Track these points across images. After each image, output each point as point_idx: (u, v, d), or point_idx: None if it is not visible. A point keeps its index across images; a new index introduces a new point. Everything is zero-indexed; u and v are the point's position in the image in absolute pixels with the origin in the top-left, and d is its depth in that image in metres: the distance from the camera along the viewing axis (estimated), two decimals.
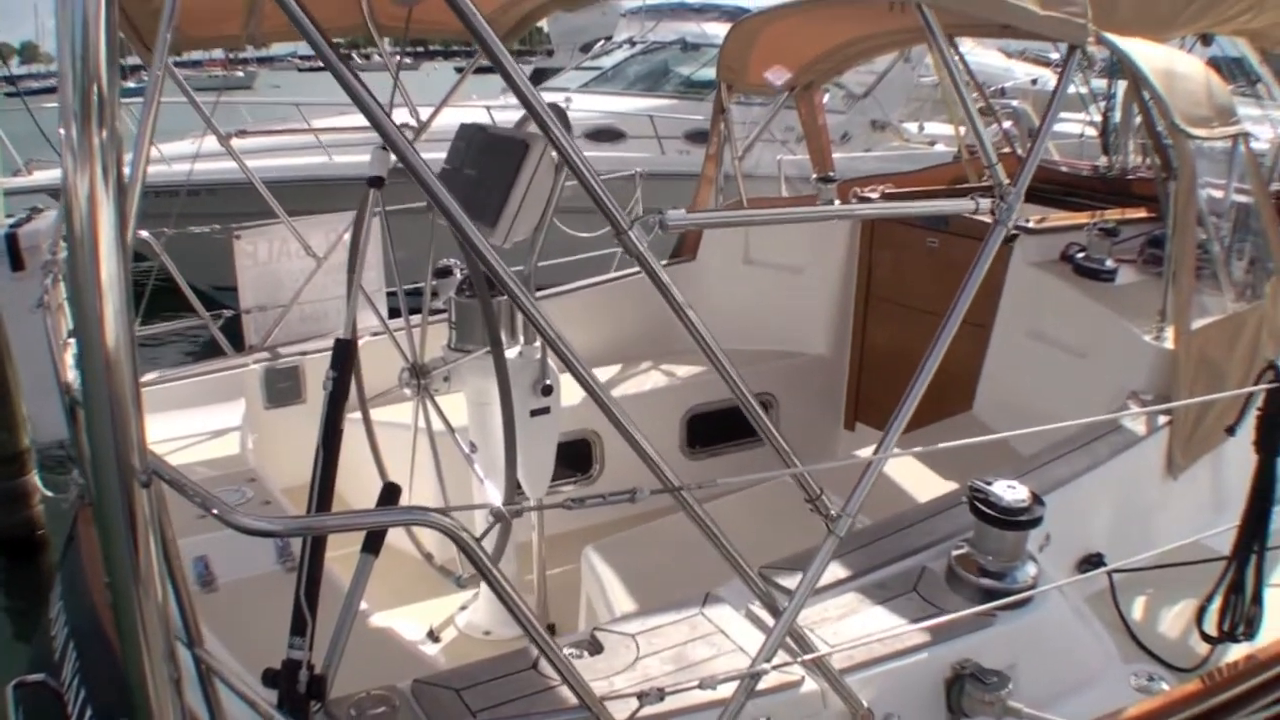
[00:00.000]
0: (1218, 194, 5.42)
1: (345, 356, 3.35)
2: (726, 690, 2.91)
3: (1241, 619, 4.12)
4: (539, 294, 6.88)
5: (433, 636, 5.24)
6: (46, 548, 9.22)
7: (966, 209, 3.41)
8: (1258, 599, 4.12)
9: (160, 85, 3.69)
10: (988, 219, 3.41)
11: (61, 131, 1.79)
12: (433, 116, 6.83)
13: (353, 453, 5.25)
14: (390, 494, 2.71)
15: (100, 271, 1.80)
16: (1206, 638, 4.16)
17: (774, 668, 2.98)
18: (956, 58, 9.18)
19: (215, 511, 2.10)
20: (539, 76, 26.97)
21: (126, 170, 2.10)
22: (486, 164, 4.41)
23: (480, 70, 5.74)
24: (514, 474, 4.34)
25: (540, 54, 36.75)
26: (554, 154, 4.27)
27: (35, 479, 9.06)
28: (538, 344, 4.76)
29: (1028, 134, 10.61)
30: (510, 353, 4.63)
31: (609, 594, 4.58)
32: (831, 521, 3.05)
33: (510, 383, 4.30)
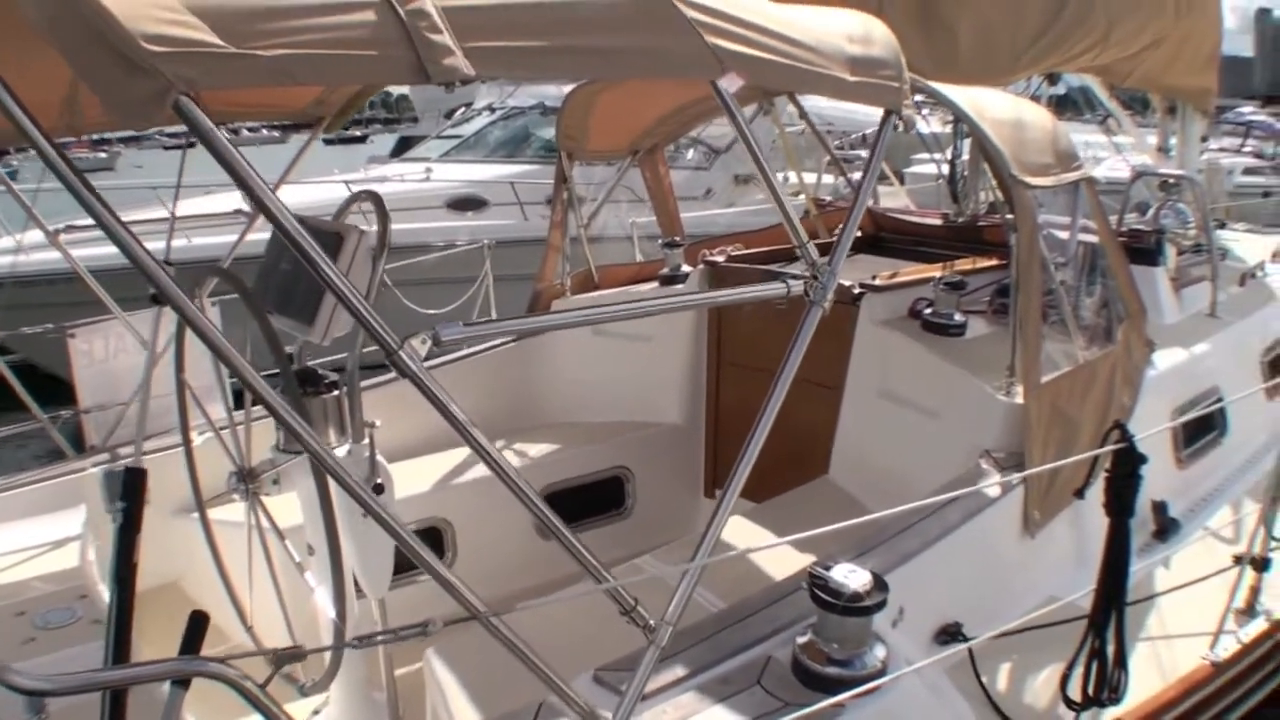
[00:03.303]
0: (1063, 235, 5.37)
1: (134, 487, 3.13)
2: None
3: (1106, 684, 4.00)
4: (380, 379, 6.66)
5: None
6: None
7: (777, 294, 3.28)
8: (1121, 661, 4.01)
9: None
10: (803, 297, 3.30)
11: None
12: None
13: (199, 550, 5.05)
14: (196, 624, 2.55)
15: None
16: (1070, 704, 4.04)
17: None
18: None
19: None
20: (405, 145, 26.88)
21: None
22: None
23: (344, 141, 5.54)
24: (341, 589, 4.12)
25: (406, 122, 36.79)
26: (371, 242, 4.08)
27: None
28: (365, 442, 4.54)
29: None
30: (339, 452, 4.41)
31: (449, 701, 4.37)
32: (650, 632, 2.89)
33: (331, 487, 4.08)
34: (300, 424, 2.48)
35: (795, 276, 3.32)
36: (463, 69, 2.39)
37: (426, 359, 2.54)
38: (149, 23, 2.03)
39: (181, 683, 2.53)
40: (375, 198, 4.42)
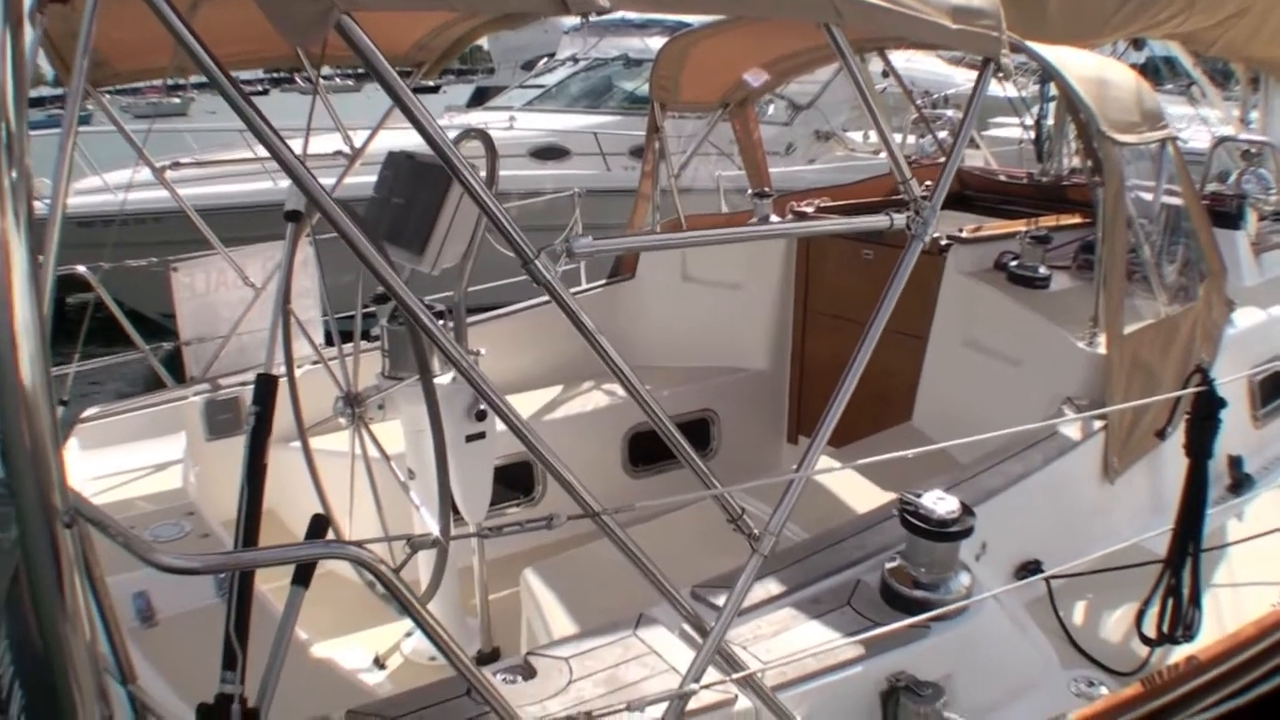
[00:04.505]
0: (1147, 196, 5.47)
1: (267, 392, 3.32)
2: (656, 711, 2.90)
3: (1181, 621, 4.14)
4: (479, 317, 6.87)
5: (379, 663, 5.20)
6: None
7: (881, 226, 3.41)
8: (1196, 600, 4.15)
9: (74, 118, 3.66)
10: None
11: None
12: (367, 142, 6.82)
13: (295, 479, 5.21)
14: (318, 526, 2.69)
15: (14, 315, 1.78)
16: (1146, 640, 4.18)
17: (703, 687, 2.97)
18: (883, 68, 9.30)
19: (137, 552, 2.07)
20: (482, 95, 26.92)
21: (43, 206, 2.08)
22: (413, 192, 4.39)
23: (417, 91, 5.71)
24: (448, 501, 4.31)
25: (482, 72, 36.76)
26: (481, 179, 4.25)
27: None
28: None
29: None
30: (444, 379, 4.60)
31: (547, 616, 4.56)
32: (754, 540, 3.05)
33: (442, 409, 4.27)
34: (451, 343, 2.64)
35: (898, 211, 3.45)
36: (600, 1, 2.54)
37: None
38: None
39: (302, 581, 2.71)
40: (484, 135, 4.60)
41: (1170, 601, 4.13)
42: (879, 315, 3.35)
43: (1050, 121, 9.18)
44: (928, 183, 3.58)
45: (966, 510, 3.63)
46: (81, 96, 3.80)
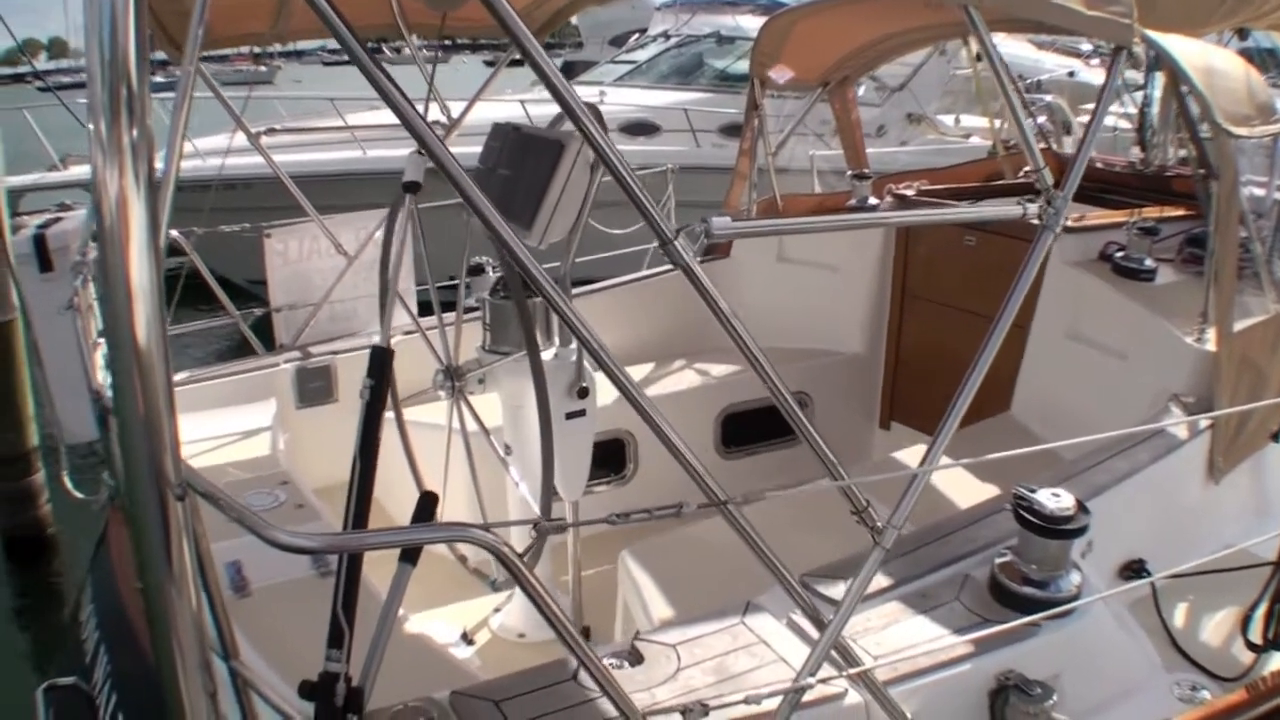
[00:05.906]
0: (1259, 192, 5.35)
1: (382, 365, 3.30)
2: (771, 704, 2.86)
3: None
4: (583, 290, 6.85)
5: (466, 639, 5.21)
6: (54, 548, 9.27)
7: (1014, 215, 3.32)
8: None
9: (191, 83, 3.65)
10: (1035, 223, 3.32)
11: (90, 128, 1.74)
12: (465, 113, 6.80)
13: (386, 452, 5.22)
14: (427, 505, 2.66)
15: (131, 274, 1.76)
16: (1251, 646, 4.10)
17: (819, 681, 2.93)
18: (977, 52, 9.15)
19: (252, 528, 2.05)
20: (569, 70, 27.01)
21: (158, 168, 2.05)
22: (521, 164, 4.36)
23: (512, 64, 5.68)
24: (550, 480, 4.29)
25: (570, 46, 36.82)
26: (589, 153, 4.21)
27: (41, 479, 9.15)
28: (573, 346, 4.71)
29: (1062, 128, 10.44)
30: (545, 355, 4.58)
31: (646, 600, 4.54)
32: (877, 533, 2.99)
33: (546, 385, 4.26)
34: (575, 315, 2.60)
35: (1027, 198, 3.36)
36: None
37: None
38: None
39: (410, 559, 2.67)
40: (594, 109, 4.56)
41: (1278, 607, 4.04)
42: (1007, 308, 3.26)
43: (1155, 110, 9.01)
44: (1025, 169, 3.49)
45: (1081, 508, 3.55)
46: (194, 62, 3.79)
